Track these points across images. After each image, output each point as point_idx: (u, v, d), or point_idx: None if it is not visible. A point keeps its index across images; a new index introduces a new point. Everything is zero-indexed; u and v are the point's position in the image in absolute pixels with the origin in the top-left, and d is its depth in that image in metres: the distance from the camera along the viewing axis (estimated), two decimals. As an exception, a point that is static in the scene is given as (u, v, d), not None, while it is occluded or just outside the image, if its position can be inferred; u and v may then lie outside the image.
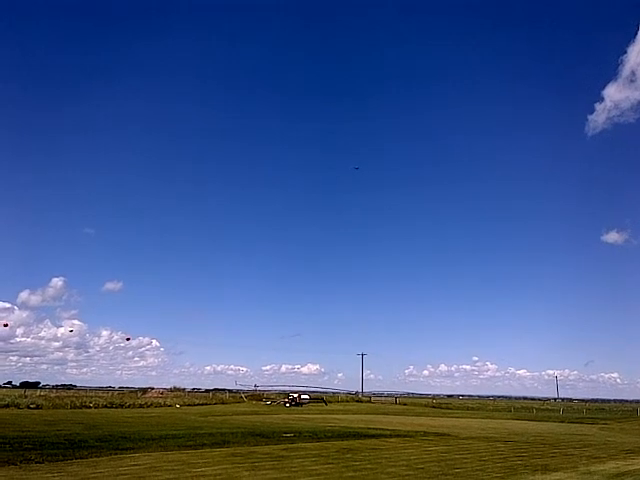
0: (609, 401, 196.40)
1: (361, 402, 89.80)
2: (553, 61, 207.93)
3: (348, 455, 16.34)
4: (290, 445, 18.84)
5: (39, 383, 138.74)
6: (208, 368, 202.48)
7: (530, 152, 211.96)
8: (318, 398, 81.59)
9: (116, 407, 52.59)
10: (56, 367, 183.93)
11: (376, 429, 28.17)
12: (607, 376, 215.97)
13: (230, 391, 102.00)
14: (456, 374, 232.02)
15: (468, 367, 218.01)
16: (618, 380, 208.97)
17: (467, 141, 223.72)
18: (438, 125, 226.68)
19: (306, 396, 76.94)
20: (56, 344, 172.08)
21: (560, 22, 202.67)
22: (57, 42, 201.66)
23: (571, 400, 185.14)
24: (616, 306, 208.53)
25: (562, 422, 47.34)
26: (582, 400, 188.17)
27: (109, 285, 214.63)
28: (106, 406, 52.44)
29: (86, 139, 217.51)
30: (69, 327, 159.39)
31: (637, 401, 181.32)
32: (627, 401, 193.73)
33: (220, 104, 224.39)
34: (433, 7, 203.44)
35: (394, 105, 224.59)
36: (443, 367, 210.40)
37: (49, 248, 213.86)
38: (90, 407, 50.78)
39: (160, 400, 62.90)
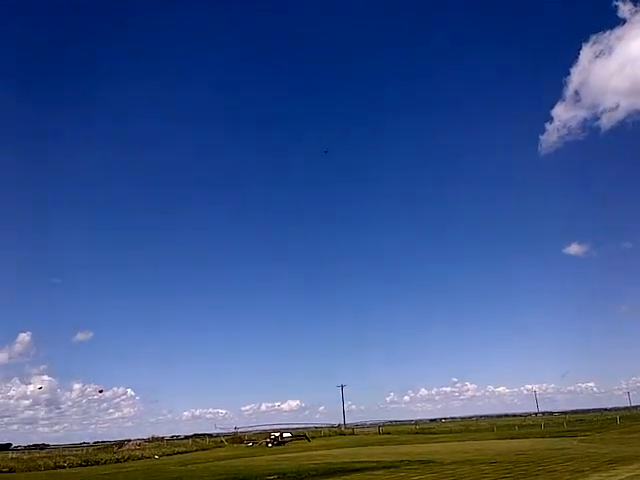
0: (588, 411, 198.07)
1: (344, 435, 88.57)
2: (503, 83, 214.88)
3: (333, 493, 16.11)
4: (274, 488, 18.47)
5: (10, 445, 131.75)
6: (186, 413, 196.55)
7: (487, 176, 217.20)
8: (300, 435, 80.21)
9: (92, 464, 50.72)
10: (27, 426, 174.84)
11: (361, 462, 27.80)
12: (584, 386, 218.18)
13: (210, 435, 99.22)
14: (437, 397, 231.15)
15: (448, 389, 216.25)
16: (595, 389, 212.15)
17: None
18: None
19: (288, 434, 75.48)
20: (26, 402, 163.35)
21: (507, 45, 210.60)
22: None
23: (551, 413, 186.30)
24: (585, 315, 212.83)
25: (543, 437, 47.58)
26: (562, 412, 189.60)
27: (80, 336, 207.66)
28: (81, 464, 50.54)
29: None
30: (38, 384, 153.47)
31: (615, 409, 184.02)
32: (605, 409, 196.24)
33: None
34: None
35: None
36: (423, 391, 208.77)
37: (14, 302, 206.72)
38: (65, 467, 48.95)
39: (138, 452, 60.89)
